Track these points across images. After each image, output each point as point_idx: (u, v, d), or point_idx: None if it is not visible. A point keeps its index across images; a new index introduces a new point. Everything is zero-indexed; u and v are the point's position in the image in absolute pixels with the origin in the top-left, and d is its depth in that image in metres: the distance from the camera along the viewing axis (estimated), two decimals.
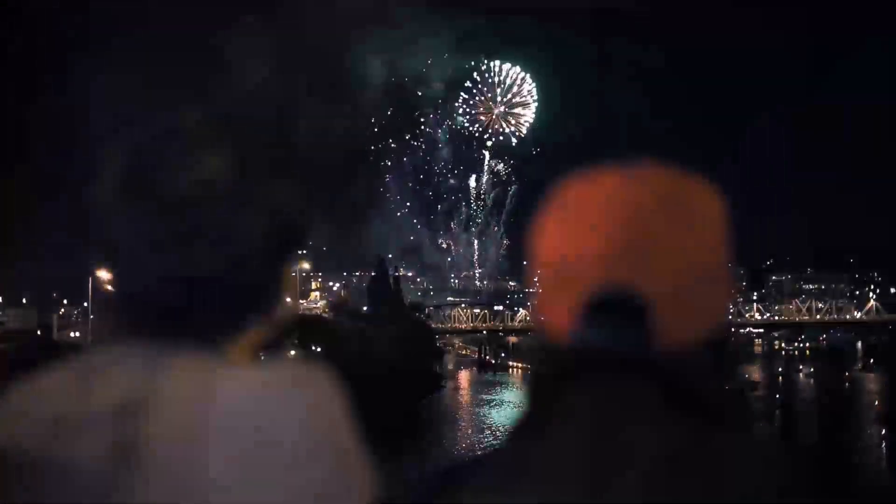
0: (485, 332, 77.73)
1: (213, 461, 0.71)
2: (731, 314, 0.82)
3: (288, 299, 0.88)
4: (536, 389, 0.78)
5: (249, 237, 0.81)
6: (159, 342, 0.78)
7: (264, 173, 0.83)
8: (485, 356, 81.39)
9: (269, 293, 0.84)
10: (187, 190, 0.79)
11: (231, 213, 0.80)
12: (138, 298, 0.81)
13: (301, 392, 0.76)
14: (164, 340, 0.78)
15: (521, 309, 75.76)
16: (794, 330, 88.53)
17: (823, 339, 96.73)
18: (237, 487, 0.71)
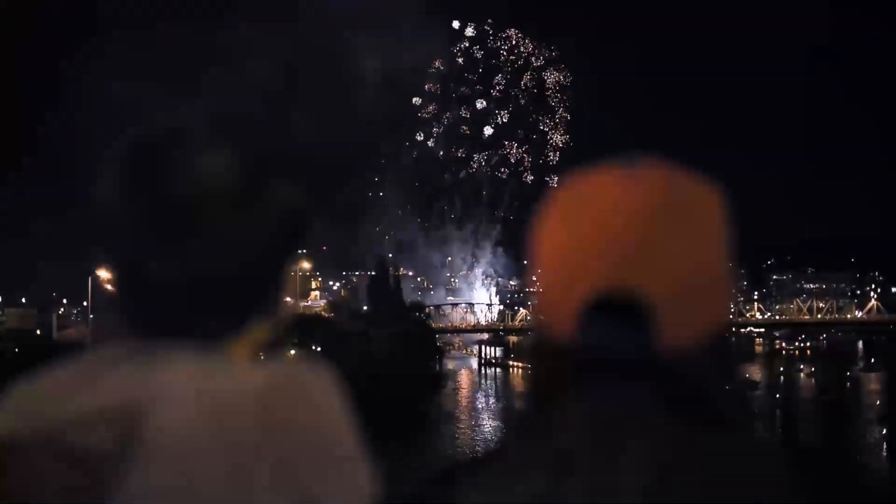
0: (485, 331, 77.66)
1: (215, 460, 0.71)
2: (732, 314, 0.81)
3: (288, 299, 0.88)
4: (537, 390, 0.78)
5: (250, 236, 0.80)
6: (160, 341, 0.78)
7: (266, 172, 0.82)
8: (485, 356, 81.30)
9: (269, 292, 0.84)
10: (189, 189, 0.78)
11: (232, 211, 0.79)
12: (140, 297, 0.80)
13: (304, 391, 0.76)
14: (166, 339, 0.78)
15: (521, 308, 75.66)
16: (794, 329, 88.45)
17: (824, 339, 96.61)
18: (240, 486, 0.70)
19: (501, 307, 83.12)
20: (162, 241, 0.78)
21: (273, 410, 0.73)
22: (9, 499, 0.75)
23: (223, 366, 0.76)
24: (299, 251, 0.88)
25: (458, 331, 77.09)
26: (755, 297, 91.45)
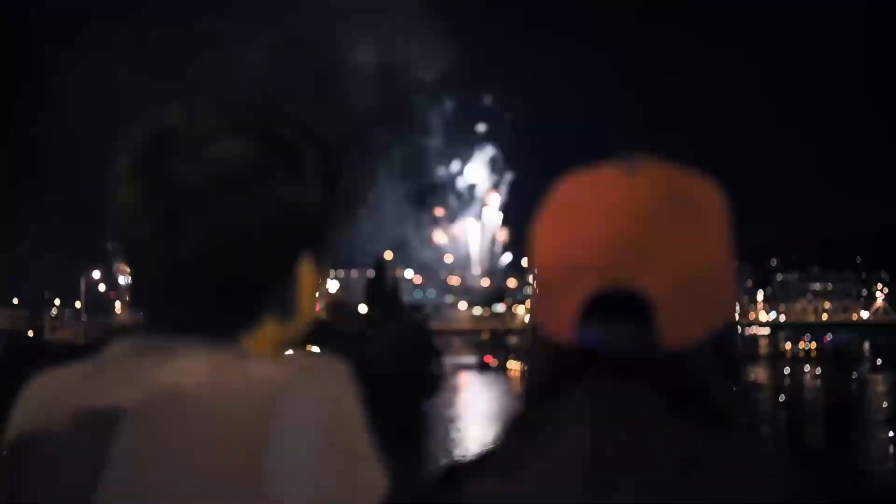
0: (485, 332, 76.92)
1: (226, 455, 0.70)
2: (737, 314, 0.80)
3: (308, 300, 0.86)
4: (536, 390, 0.77)
5: (263, 231, 0.79)
6: (172, 335, 0.78)
7: (274, 167, 0.81)
8: (485, 357, 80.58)
9: (282, 289, 0.83)
10: (198, 184, 0.78)
11: (243, 204, 0.79)
12: (151, 291, 0.81)
13: (317, 385, 0.75)
14: (177, 333, 0.78)
15: (522, 308, 74.88)
16: (800, 330, 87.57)
17: (829, 340, 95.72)
18: (252, 482, 0.70)
19: (503, 306, 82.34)
20: (172, 233, 0.78)
21: (286, 404, 0.73)
22: (14, 499, 0.75)
23: (235, 360, 0.76)
24: (321, 254, 0.86)
25: (458, 332, 76.32)
26: (760, 297, 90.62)
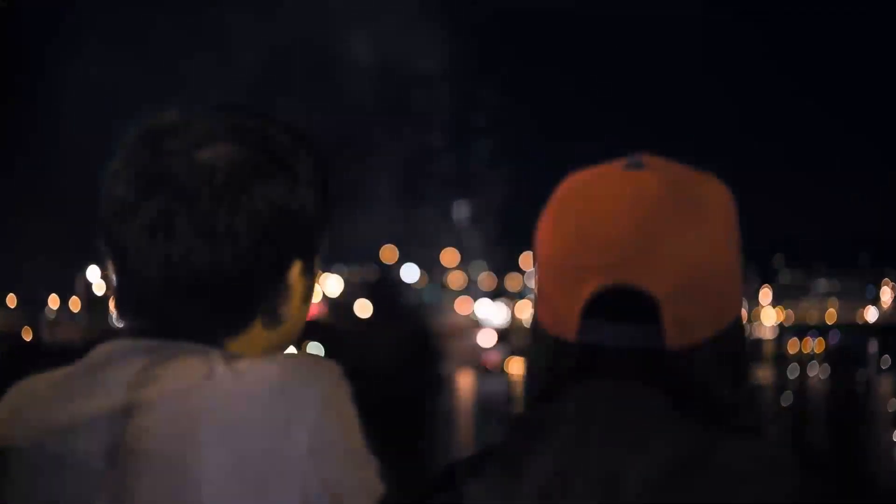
0: (488, 331, 76.43)
1: (220, 458, 0.71)
2: (743, 313, 0.80)
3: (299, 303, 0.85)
4: (538, 390, 0.77)
5: (254, 233, 0.79)
6: (163, 338, 0.78)
7: (267, 172, 0.81)
8: (487, 356, 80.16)
9: (273, 292, 0.82)
10: (191, 186, 0.78)
11: (235, 207, 0.78)
12: (142, 294, 0.80)
13: (311, 386, 0.75)
14: (168, 336, 0.78)
15: (524, 307, 74.48)
16: (805, 330, 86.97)
17: (835, 340, 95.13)
18: (247, 484, 0.71)
19: (506, 305, 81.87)
20: (163, 234, 0.78)
21: (279, 406, 0.73)
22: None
23: (228, 362, 0.76)
24: (312, 254, 0.86)
25: (459, 331, 75.84)
26: (765, 296, 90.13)
